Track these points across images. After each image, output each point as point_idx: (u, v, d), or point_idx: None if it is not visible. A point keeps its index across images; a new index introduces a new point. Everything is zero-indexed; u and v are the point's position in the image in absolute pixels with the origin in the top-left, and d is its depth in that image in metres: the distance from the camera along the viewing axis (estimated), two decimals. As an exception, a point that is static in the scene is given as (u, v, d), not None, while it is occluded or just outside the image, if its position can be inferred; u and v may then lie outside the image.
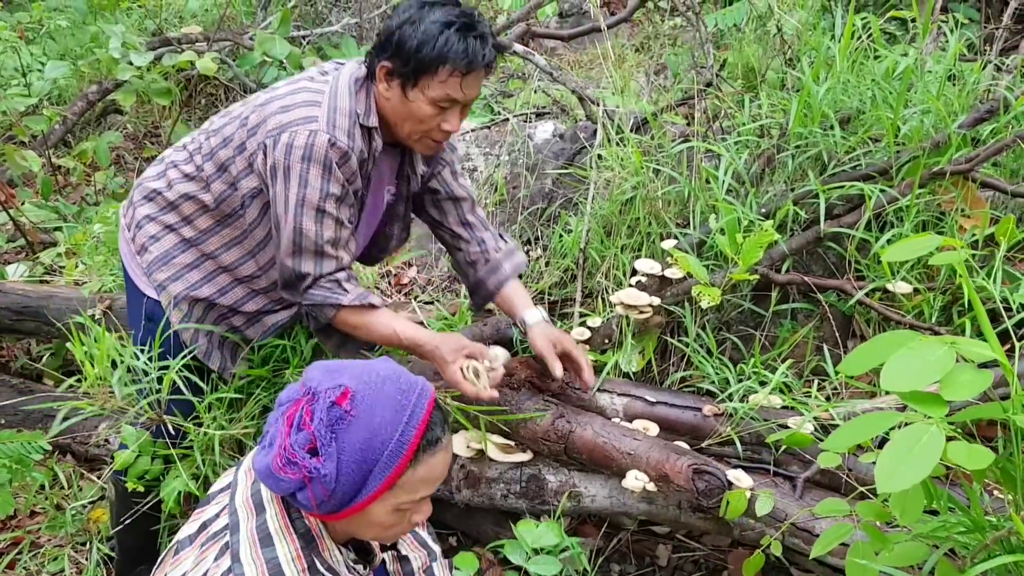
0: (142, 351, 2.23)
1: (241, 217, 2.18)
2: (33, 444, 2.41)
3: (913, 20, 3.61)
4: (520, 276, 2.47)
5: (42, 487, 2.75)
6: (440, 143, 2.14)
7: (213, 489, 1.61)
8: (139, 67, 4.11)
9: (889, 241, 2.35)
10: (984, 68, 2.71)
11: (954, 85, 2.67)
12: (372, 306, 2.14)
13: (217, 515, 1.51)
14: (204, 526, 1.51)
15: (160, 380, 2.15)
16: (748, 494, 1.92)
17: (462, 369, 2.11)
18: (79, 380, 2.22)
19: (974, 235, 2.43)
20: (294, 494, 1.37)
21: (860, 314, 2.60)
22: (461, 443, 2.35)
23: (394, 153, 2.26)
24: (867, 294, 2.46)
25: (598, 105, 3.03)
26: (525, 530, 2.15)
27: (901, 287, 2.34)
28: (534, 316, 2.34)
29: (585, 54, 7.86)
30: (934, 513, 1.59)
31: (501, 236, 2.49)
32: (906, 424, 1.18)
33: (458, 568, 2.09)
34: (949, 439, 1.17)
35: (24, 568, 2.50)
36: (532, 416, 2.26)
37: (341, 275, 2.13)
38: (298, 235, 2.05)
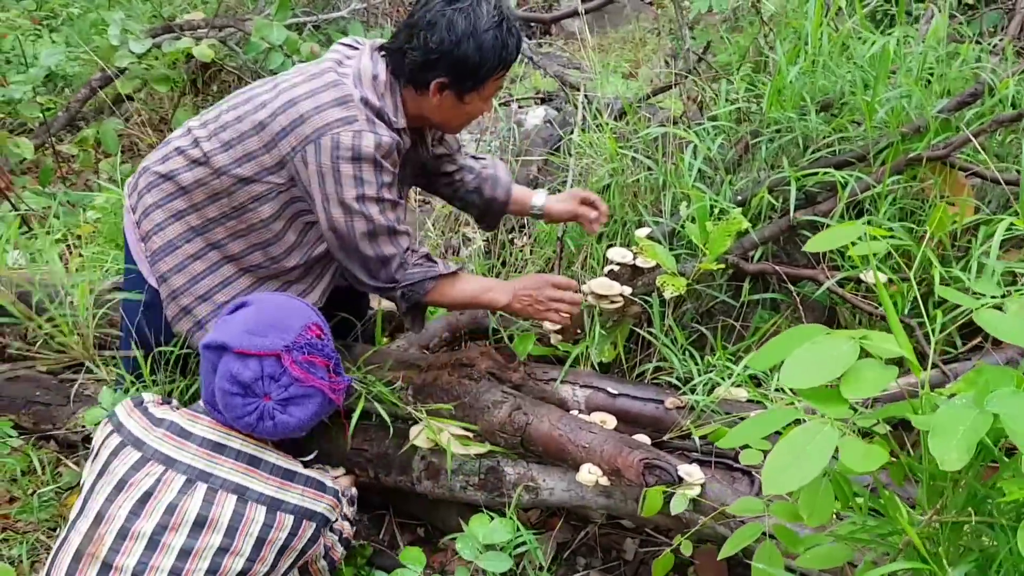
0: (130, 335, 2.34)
1: (252, 211, 2.16)
2: (-1, 429, 2.44)
3: (920, 1, 3.50)
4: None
5: (23, 473, 2.77)
6: None
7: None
8: (137, 54, 4.12)
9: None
10: (973, 49, 2.60)
11: (938, 68, 2.57)
12: (458, 272, 2.27)
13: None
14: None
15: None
16: (664, 492, 1.86)
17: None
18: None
19: (955, 222, 2.34)
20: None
21: (842, 305, 2.52)
22: (421, 435, 2.32)
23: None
24: (843, 284, 2.38)
25: (578, 90, 2.97)
26: (477, 525, 2.12)
27: (870, 277, 2.26)
28: (540, 197, 2.55)
29: (606, 38, 7.79)
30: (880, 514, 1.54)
31: (473, 156, 2.61)
32: (801, 421, 1.13)
33: (405, 565, 2.07)
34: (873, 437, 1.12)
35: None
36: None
37: (422, 249, 2.23)
38: (369, 225, 2.08)
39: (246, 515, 1.67)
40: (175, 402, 1.94)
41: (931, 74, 2.56)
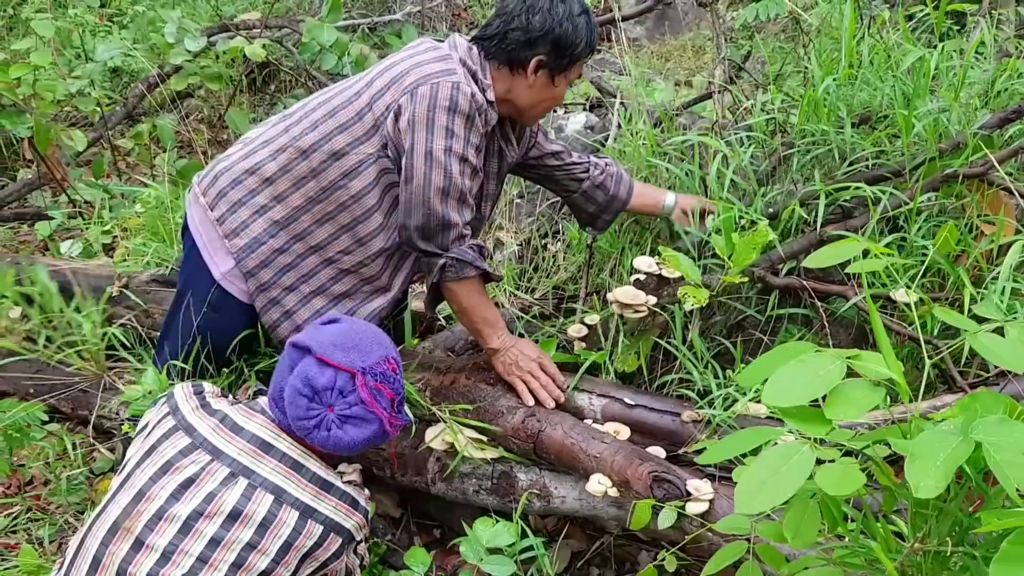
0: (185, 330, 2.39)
1: (342, 188, 2.22)
2: (31, 413, 2.51)
3: (972, 13, 3.40)
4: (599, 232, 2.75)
5: (58, 456, 2.85)
6: None
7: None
8: (192, 52, 4.22)
9: (888, 246, 2.21)
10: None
11: (983, 83, 2.49)
12: (491, 282, 2.36)
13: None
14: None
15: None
16: (653, 506, 1.84)
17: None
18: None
19: (992, 241, 2.27)
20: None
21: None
22: (437, 437, 2.32)
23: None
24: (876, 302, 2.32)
25: (615, 97, 2.95)
26: (482, 528, 2.12)
27: (901, 296, 2.20)
28: (671, 198, 2.60)
29: (665, 45, 7.74)
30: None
31: (593, 154, 2.72)
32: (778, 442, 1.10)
33: (409, 565, 2.08)
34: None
35: (24, 530, 2.60)
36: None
37: (479, 240, 2.30)
38: (446, 181, 2.14)
39: (279, 517, 1.70)
40: (231, 397, 1.99)
41: (979, 90, 2.48)
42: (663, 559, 1.79)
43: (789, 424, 1.14)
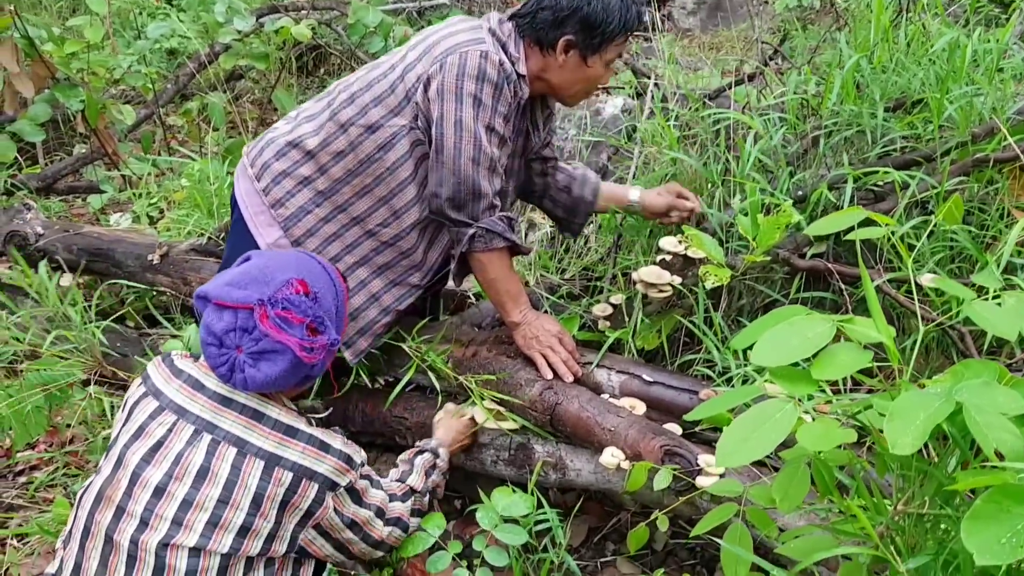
0: None
1: (378, 161, 2.26)
2: (69, 372, 2.60)
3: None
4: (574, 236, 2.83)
5: (98, 416, 2.94)
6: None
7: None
8: (242, 32, 4.31)
9: (914, 229, 2.19)
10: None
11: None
12: (519, 254, 2.40)
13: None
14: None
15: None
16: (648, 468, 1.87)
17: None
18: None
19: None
20: (305, 376, 1.78)
21: (896, 308, 2.43)
22: (483, 415, 2.34)
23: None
24: (900, 287, 2.30)
25: (649, 78, 2.95)
26: (499, 497, 2.15)
27: (926, 280, 2.17)
28: (635, 192, 2.61)
29: (718, 36, 7.71)
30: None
31: (565, 162, 2.74)
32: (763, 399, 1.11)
33: (425, 528, 2.11)
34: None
35: (62, 485, 2.70)
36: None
37: (511, 212, 2.34)
38: (477, 150, 2.16)
39: (243, 468, 1.70)
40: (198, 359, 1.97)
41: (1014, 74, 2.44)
42: (655, 518, 1.80)
43: (776, 383, 1.15)
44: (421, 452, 2.21)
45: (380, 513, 1.97)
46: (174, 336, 2.89)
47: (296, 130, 2.33)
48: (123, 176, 4.35)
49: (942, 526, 1.13)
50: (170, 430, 1.74)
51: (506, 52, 2.19)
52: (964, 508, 1.08)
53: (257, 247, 2.34)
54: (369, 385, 2.63)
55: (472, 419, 2.33)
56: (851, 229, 2.41)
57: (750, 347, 1.19)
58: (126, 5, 5.34)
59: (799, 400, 1.10)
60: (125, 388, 3.13)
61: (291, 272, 1.77)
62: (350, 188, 2.30)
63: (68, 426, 2.84)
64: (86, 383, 2.89)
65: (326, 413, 2.22)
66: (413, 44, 2.27)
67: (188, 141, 4.83)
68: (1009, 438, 0.99)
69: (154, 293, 3.25)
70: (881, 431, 1.07)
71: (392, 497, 2.03)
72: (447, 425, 2.33)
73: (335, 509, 1.80)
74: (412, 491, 2.09)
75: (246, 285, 1.72)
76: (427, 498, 2.13)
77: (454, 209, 2.22)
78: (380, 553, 2.02)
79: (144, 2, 5.60)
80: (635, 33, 2.26)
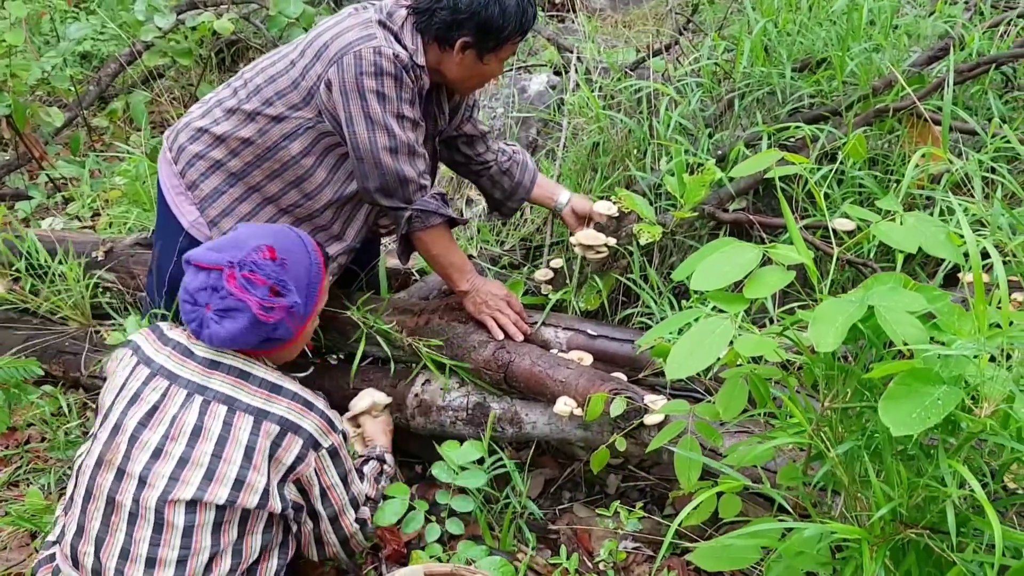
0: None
1: (284, 149, 2.34)
2: (27, 369, 2.63)
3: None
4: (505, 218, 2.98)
5: (53, 415, 2.97)
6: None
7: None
8: (163, 29, 4.31)
9: (824, 178, 2.38)
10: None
11: (913, 24, 2.66)
12: (457, 225, 2.47)
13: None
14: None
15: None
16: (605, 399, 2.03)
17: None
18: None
19: (921, 168, 2.44)
20: (268, 338, 1.87)
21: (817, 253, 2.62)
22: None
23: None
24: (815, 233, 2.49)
25: (572, 52, 3.09)
26: (450, 450, 2.28)
27: (841, 224, 2.37)
28: (565, 195, 2.73)
29: (629, 14, 7.89)
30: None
31: (505, 142, 2.81)
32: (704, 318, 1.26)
33: (390, 495, 2.23)
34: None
35: (26, 481, 2.74)
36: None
37: (439, 188, 2.40)
38: (391, 141, 2.24)
39: (234, 424, 1.82)
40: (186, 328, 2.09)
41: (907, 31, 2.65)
42: (614, 440, 1.94)
43: (713, 303, 1.30)
44: (367, 461, 2.31)
45: (355, 503, 2.07)
46: (122, 326, 2.93)
47: (207, 115, 2.41)
48: (51, 181, 4.33)
49: (864, 418, 1.30)
50: (164, 395, 1.85)
51: (400, 43, 2.24)
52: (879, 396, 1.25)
53: (181, 227, 2.46)
54: (329, 363, 2.73)
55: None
56: (770, 183, 2.60)
57: (689, 277, 1.34)
58: (38, 8, 5.26)
59: (735, 316, 1.25)
60: (77, 386, 3.17)
61: (264, 240, 1.88)
62: (261, 171, 2.39)
63: (29, 425, 2.87)
64: (39, 383, 2.93)
65: (309, 372, 2.33)
66: (309, 41, 2.31)
67: (114, 143, 4.81)
68: (914, 331, 1.16)
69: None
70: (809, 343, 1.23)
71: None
72: (380, 428, 2.46)
73: (315, 469, 1.91)
74: (368, 498, 2.18)
75: (222, 249, 1.86)
76: (379, 504, 2.24)
77: (386, 197, 2.33)
78: (345, 556, 2.12)
79: (56, 6, 5.52)
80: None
